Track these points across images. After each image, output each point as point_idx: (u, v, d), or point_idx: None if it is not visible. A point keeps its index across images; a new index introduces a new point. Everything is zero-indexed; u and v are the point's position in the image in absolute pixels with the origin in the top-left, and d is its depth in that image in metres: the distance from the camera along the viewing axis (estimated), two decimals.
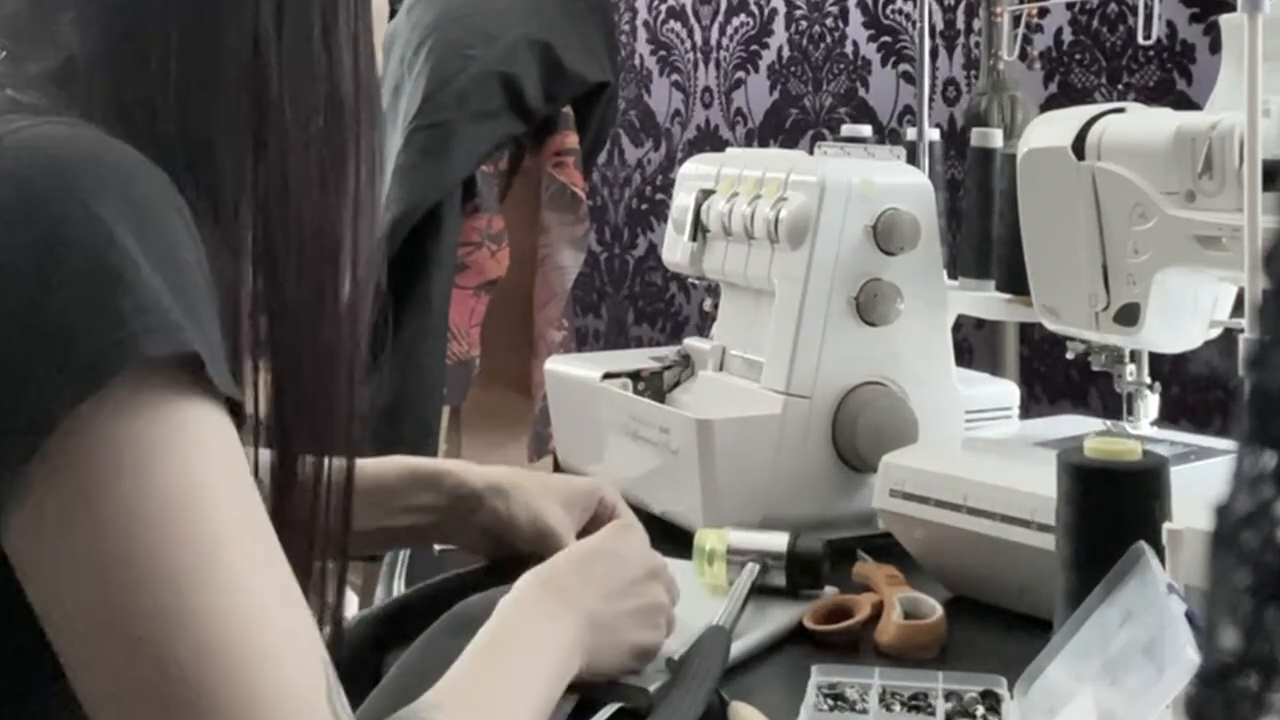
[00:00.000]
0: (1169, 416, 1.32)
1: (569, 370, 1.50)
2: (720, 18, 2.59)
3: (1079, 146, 1.14)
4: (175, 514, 0.61)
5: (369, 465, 1.03)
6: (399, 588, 1.18)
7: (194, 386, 0.62)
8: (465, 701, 0.76)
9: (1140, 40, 1.37)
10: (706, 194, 1.41)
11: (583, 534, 1.08)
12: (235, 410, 0.65)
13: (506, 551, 1.06)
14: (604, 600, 0.91)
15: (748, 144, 2.52)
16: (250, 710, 0.61)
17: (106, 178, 0.62)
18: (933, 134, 1.57)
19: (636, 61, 2.77)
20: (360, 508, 0.94)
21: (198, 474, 0.62)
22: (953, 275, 1.45)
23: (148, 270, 0.61)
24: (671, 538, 1.28)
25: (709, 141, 2.62)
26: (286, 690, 0.62)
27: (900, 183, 1.31)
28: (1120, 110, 1.17)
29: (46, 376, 0.59)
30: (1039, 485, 1.01)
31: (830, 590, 1.13)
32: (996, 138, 1.47)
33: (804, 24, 2.41)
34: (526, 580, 0.89)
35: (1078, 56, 1.94)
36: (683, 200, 1.44)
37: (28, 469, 0.59)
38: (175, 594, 0.61)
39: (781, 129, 2.47)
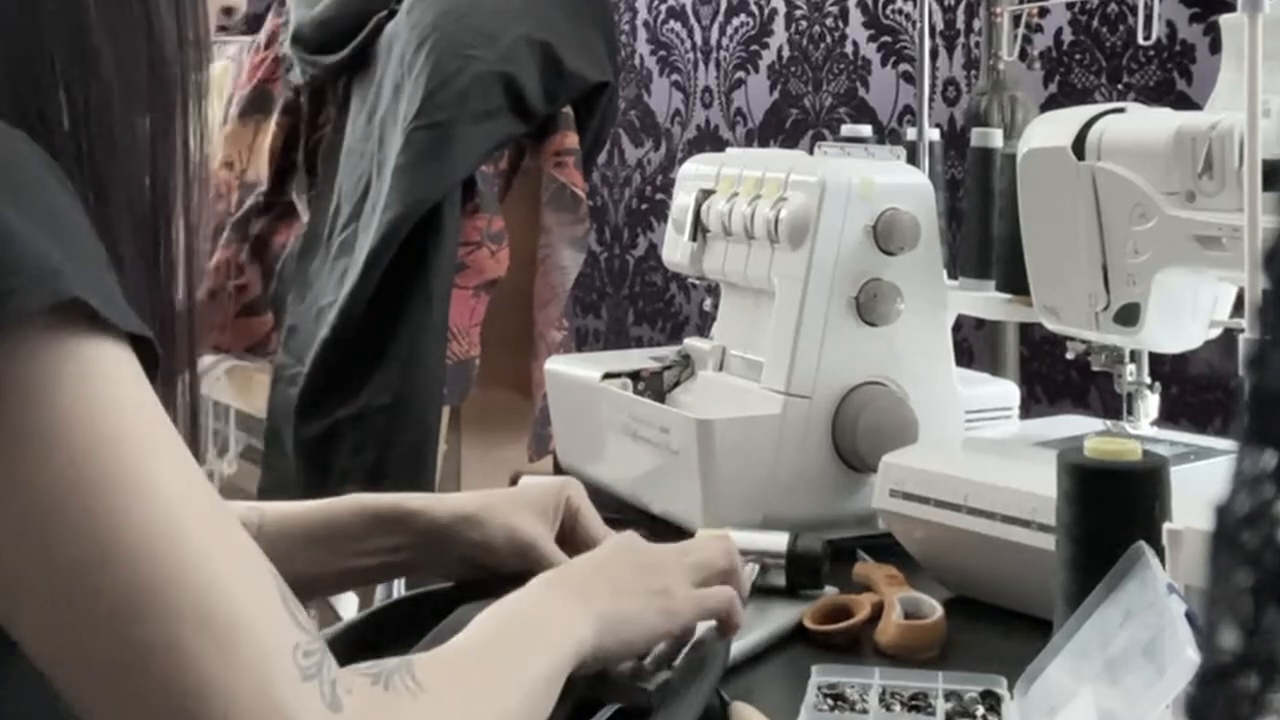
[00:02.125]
0: (1169, 416, 1.32)
1: (569, 370, 1.50)
2: (720, 18, 2.59)
3: (1079, 146, 1.14)
4: (87, 441, 0.60)
5: (319, 507, 1.00)
6: (399, 590, 1.18)
7: (89, 326, 0.61)
8: (450, 668, 0.75)
9: (1140, 40, 1.37)
10: (706, 194, 1.41)
11: (559, 538, 1.07)
12: (147, 346, 0.64)
13: (487, 574, 1.03)
14: (614, 594, 0.89)
15: (748, 144, 2.52)
16: (204, 622, 0.60)
17: None
18: (933, 134, 1.57)
19: (636, 61, 2.77)
20: (313, 551, 0.94)
21: (102, 400, 0.61)
22: (953, 275, 1.45)
23: (19, 225, 0.60)
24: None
25: (709, 141, 2.62)
26: (243, 600, 0.62)
27: (900, 183, 1.31)
28: (1120, 110, 1.17)
29: None
30: (1039, 485, 1.01)
31: (830, 590, 1.13)
32: (996, 138, 1.47)
33: (804, 24, 2.41)
34: (535, 581, 0.88)
35: (1078, 56, 1.94)
36: (683, 200, 1.44)
37: None
38: (104, 522, 0.60)
39: (781, 129, 2.46)
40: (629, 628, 0.88)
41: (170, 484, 0.62)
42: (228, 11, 0.83)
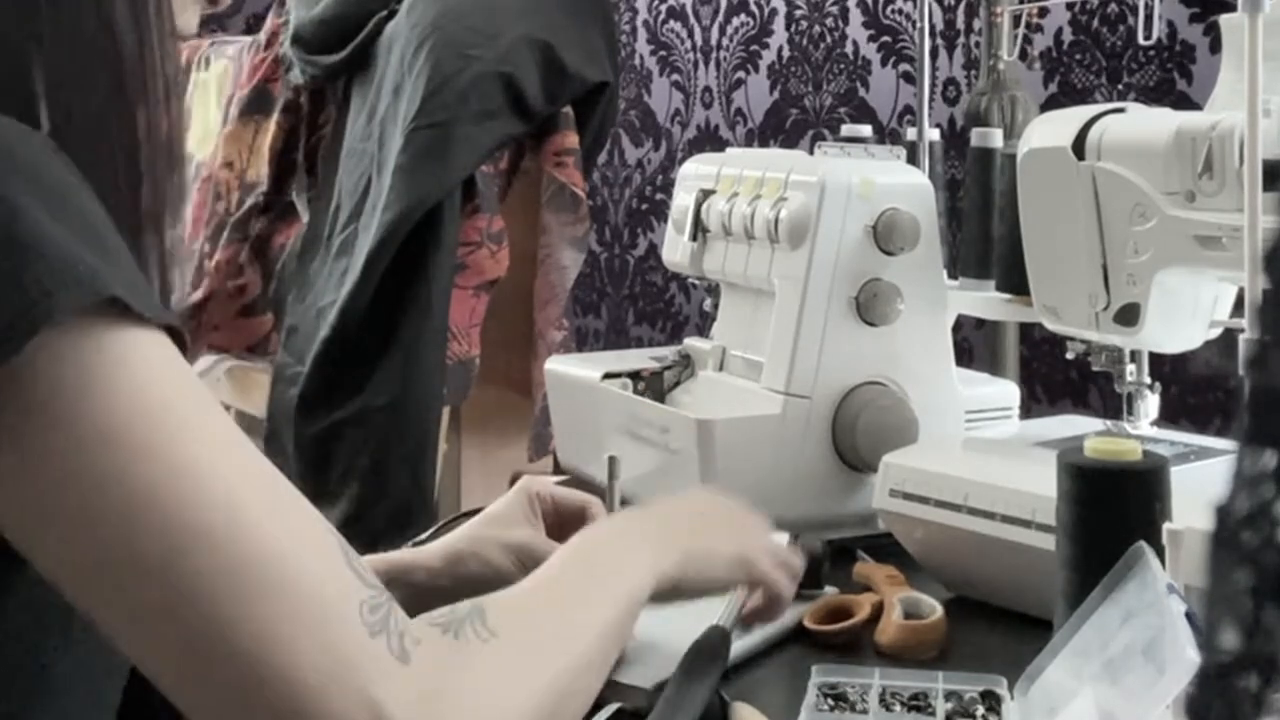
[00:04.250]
0: (1169, 416, 1.32)
1: (569, 370, 1.50)
2: (720, 18, 2.58)
3: (1079, 146, 1.14)
4: (137, 429, 0.61)
5: None
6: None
7: (125, 321, 0.62)
8: (523, 612, 0.74)
9: (1140, 40, 1.37)
10: (706, 194, 1.41)
11: (554, 530, 1.08)
12: (178, 338, 0.65)
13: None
14: (694, 529, 0.91)
15: (748, 144, 2.52)
16: (268, 588, 0.61)
17: None
18: (933, 134, 1.57)
19: (636, 61, 2.77)
20: None
21: (149, 389, 0.62)
22: (953, 275, 1.45)
23: (53, 229, 0.60)
24: None
25: (709, 141, 2.62)
26: (305, 563, 0.63)
27: (900, 183, 1.31)
28: (1120, 110, 1.17)
29: None
30: (1039, 485, 1.01)
31: (830, 590, 1.13)
32: (996, 138, 1.47)
33: (804, 24, 2.41)
34: (617, 515, 0.91)
35: (1078, 56, 1.94)
36: (683, 200, 1.44)
37: None
38: (163, 502, 0.60)
39: (781, 129, 2.46)
40: (708, 562, 0.90)
41: (222, 458, 0.63)
42: (213, 1, 0.82)
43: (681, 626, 1.03)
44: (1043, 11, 1.78)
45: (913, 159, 1.51)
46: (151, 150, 0.72)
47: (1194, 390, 1.75)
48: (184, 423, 0.62)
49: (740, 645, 1.01)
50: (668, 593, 0.86)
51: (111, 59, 0.71)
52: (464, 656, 0.68)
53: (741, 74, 2.54)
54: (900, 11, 2.23)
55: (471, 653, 0.68)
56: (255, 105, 2.26)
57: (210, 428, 0.64)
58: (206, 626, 0.60)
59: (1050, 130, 1.18)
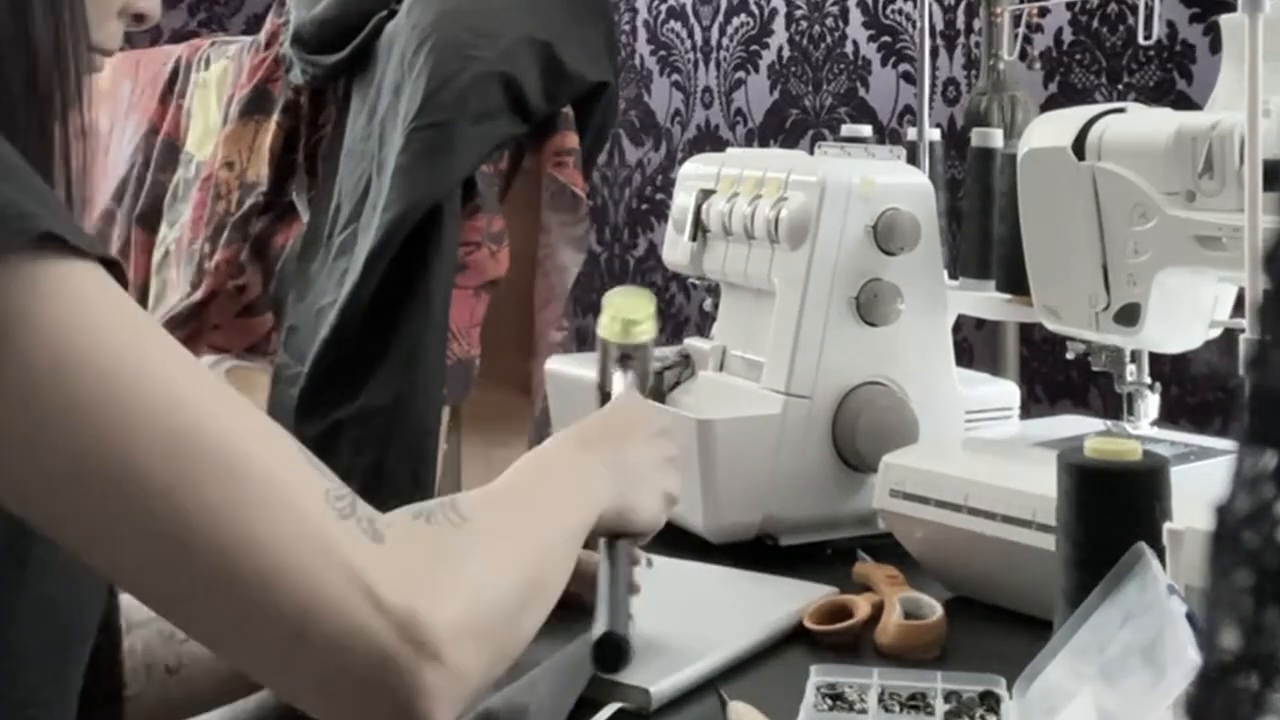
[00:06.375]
0: (1169, 416, 1.32)
1: (569, 370, 1.50)
2: (720, 18, 2.58)
3: (1079, 146, 1.14)
4: (90, 349, 0.62)
5: None
6: None
7: (62, 255, 0.63)
8: (493, 504, 0.77)
9: (1140, 40, 1.37)
10: (706, 194, 1.41)
11: None
12: (116, 272, 0.66)
13: None
14: (626, 448, 0.94)
15: (748, 144, 2.52)
16: (234, 483, 0.62)
17: None
18: (933, 134, 1.57)
19: (636, 61, 2.77)
20: None
21: (92, 313, 0.63)
22: (953, 275, 1.45)
23: None
24: (670, 538, 1.27)
25: (709, 141, 2.62)
26: (266, 457, 0.64)
27: (900, 183, 1.31)
28: (1120, 110, 1.17)
29: None
30: (1039, 485, 1.01)
31: (830, 590, 1.13)
32: (996, 138, 1.47)
33: (804, 24, 2.41)
34: (561, 440, 0.93)
35: (1078, 56, 1.94)
36: (683, 200, 1.44)
37: None
38: (122, 413, 0.61)
39: (781, 129, 2.46)
40: (635, 516, 0.92)
41: (174, 370, 0.64)
42: (138, 18, 0.82)
43: (681, 627, 1.03)
44: (1043, 11, 1.78)
45: (913, 159, 1.51)
46: (64, 147, 0.74)
47: (1194, 390, 1.75)
48: (131, 340, 0.64)
49: (740, 645, 1.01)
50: (607, 517, 0.89)
51: (28, 63, 0.72)
52: (435, 536, 0.70)
53: (741, 74, 2.54)
54: (900, 11, 2.23)
55: (442, 534, 0.70)
56: (255, 105, 2.26)
57: (157, 344, 0.65)
58: (176, 522, 0.61)
59: (1050, 130, 1.18)
